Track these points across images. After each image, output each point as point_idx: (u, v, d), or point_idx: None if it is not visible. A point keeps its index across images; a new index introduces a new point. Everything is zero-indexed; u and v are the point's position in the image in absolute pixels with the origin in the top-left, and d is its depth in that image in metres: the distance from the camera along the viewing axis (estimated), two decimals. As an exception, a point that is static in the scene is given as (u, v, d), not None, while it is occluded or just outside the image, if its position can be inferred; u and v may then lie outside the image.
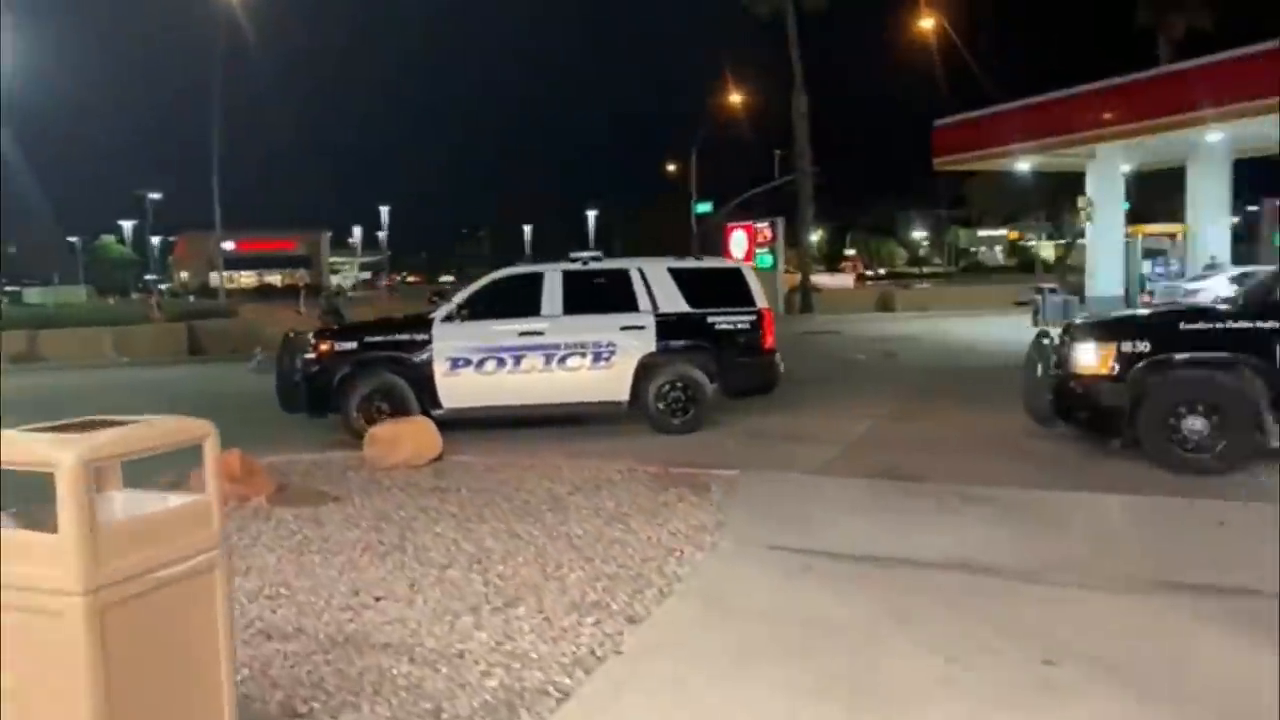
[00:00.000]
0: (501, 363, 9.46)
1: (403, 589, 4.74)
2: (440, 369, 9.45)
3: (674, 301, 9.64)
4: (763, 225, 30.96)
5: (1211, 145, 22.91)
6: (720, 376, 9.60)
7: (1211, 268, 22.83)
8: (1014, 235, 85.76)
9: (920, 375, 14.66)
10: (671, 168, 64.46)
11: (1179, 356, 7.30)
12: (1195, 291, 21.01)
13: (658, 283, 9.71)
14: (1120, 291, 24.10)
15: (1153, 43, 34.17)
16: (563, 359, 9.48)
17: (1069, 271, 36.00)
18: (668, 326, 9.55)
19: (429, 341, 9.49)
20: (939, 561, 5.00)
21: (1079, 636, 3.93)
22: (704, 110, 45.73)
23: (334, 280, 77.66)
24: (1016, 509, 5.96)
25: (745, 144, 45.11)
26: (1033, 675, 3.59)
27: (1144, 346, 7.38)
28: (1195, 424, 7.19)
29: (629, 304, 9.66)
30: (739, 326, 9.67)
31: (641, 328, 9.56)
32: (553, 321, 9.53)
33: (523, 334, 9.50)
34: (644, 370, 9.51)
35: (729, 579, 4.79)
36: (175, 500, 2.73)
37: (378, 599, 4.59)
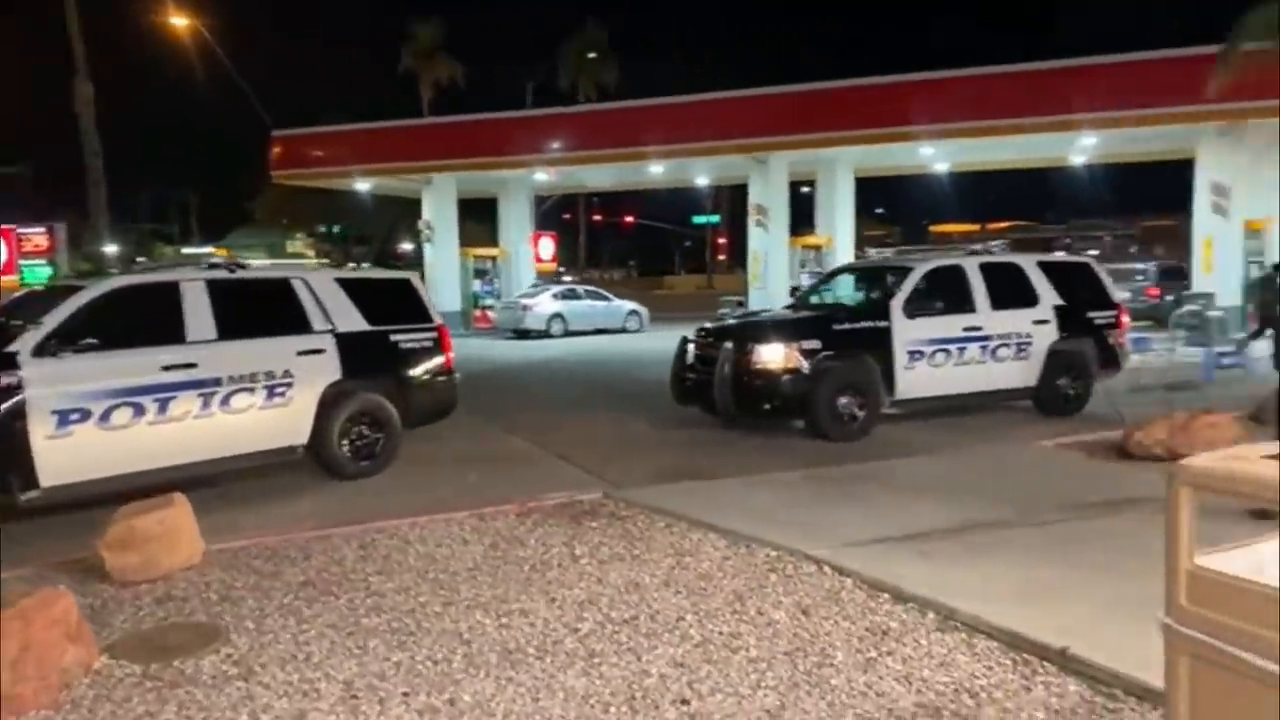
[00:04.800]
0: (139, 411, 6.61)
1: None
2: (41, 429, 6.16)
3: (351, 318, 7.95)
4: (33, 231, 25.20)
5: (517, 182, 26.81)
6: (404, 404, 8.26)
7: (536, 285, 26.69)
8: (223, 251, 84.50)
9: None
10: None
11: (837, 351, 9.19)
12: (531, 306, 24.53)
13: (328, 296, 7.90)
14: (459, 307, 26.49)
15: (415, 86, 37.94)
16: (226, 398, 7.06)
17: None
18: (351, 349, 7.85)
19: (18, 387, 6.10)
20: (960, 526, 5.70)
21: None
22: None
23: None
24: (893, 483, 6.93)
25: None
26: None
27: (816, 345, 9.09)
28: (845, 401, 9.20)
29: (299, 323, 7.66)
30: (423, 345, 8.44)
31: (321, 351, 7.68)
32: (208, 348, 7.02)
33: (168, 368, 6.79)
34: (328, 404, 7.67)
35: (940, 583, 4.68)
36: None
37: None
